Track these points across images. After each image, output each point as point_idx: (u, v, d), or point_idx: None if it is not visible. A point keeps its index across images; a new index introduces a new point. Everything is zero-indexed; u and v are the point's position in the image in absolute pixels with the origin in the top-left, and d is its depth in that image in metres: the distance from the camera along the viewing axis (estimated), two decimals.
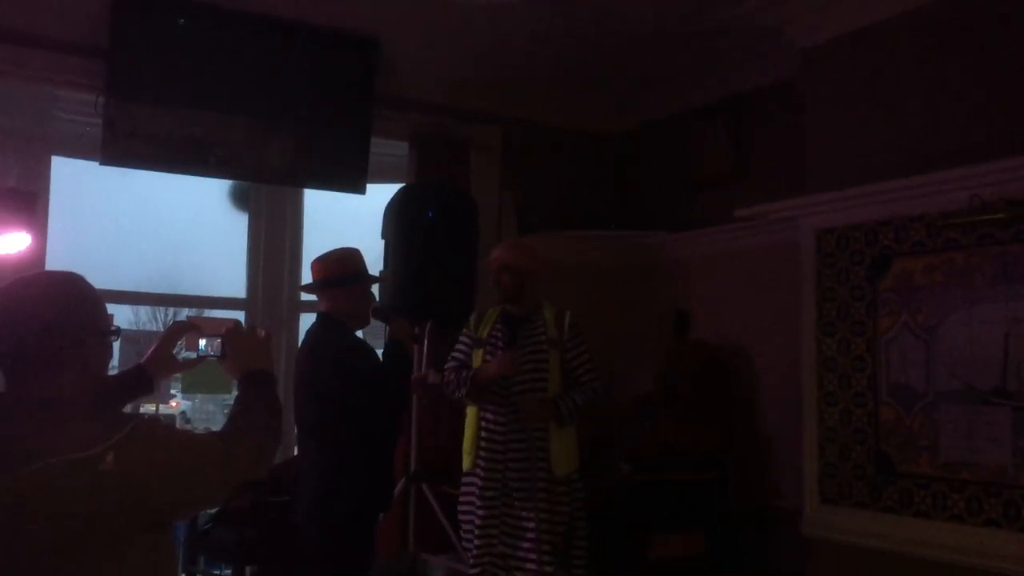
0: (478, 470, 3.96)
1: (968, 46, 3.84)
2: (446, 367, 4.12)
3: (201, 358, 2.23)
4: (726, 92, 5.36)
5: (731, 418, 5.03)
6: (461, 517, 4.05)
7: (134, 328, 5.82)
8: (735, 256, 5.16)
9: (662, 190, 5.79)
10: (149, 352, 2.30)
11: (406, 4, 4.64)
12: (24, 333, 1.77)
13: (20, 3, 4.38)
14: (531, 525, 3.85)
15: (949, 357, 3.72)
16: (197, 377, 5.11)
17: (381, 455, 3.66)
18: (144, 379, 2.28)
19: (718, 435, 4.93)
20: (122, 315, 5.61)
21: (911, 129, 3.99)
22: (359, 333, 3.88)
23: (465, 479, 4.04)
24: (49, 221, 4.60)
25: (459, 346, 4.14)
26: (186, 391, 5.68)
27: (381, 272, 4.86)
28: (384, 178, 5.43)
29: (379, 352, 3.73)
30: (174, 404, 6.80)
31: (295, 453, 4.81)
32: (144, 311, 6.83)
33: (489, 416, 3.97)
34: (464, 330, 4.15)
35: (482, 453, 3.96)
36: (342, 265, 3.61)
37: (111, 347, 1.95)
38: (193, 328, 2.25)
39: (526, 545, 3.86)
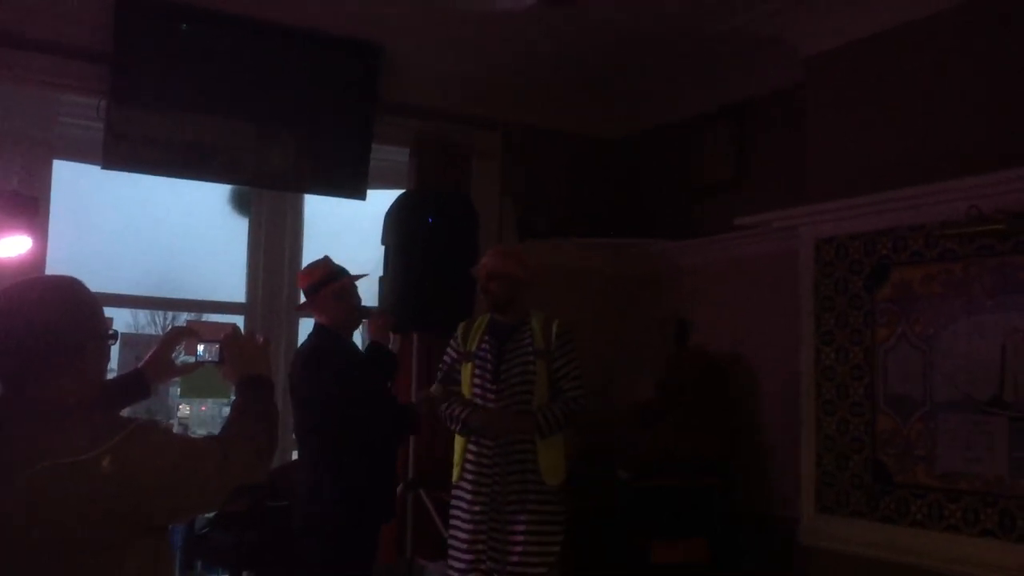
0: (466, 483, 3.88)
1: (968, 57, 3.85)
2: (437, 383, 4.07)
3: (199, 363, 2.24)
4: (727, 100, 5.37)
5: (731, 425, 5.03)
6: (449, 531, 3.98)
7: (133, 332, 5.82)
8: (735, 264, 5.17)
9: (663, 197, 5.80)
10: (147, 357, 2.31)
11: (408, 10, 4.65)
12: (22, 338, 1.77)
13: (23, 7, 4.40)
14: (520, 539, 3.80)
15: (947, 367, 3.73)
16: (195, 382, 5.12)
17: (376, 461, 3.67)
18: (142, 383, 2.29)
19: (718, 442, 4.93)
20: (121, 319, 5.61)
21: (911, 139, 4.01)
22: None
23: (454, 492, 3.97)
24: (50, 225, 4.62)
25: (446, 359, 4.06)
26: (184, 396, 5.68)
27: (380, 278, 4.87)
28: (384, 184, 5.44)
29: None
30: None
31: (293, 458, 4.83)
32: (143, 315, 6.83)
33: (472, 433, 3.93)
34: (452, 342, 4.07)
35: (469, 467, 3.88)
36: (309, 276, 3.77)
37: (109, 351, 1.96)
38: (191, 333, 2.26)
39: (514, 559, 3.79)
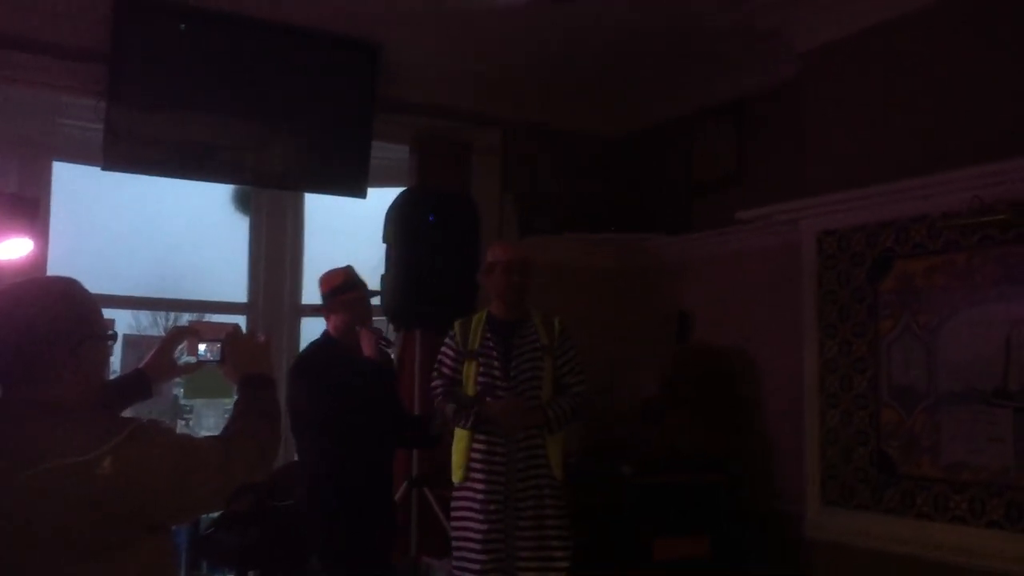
0: (476, 483, 3.82)
1: (968, 48, 3.84)
2: (433, 384, 4.01)
3: (200, 363, 2.23)
4: (727, 95, 5.36)
5: (735, 420, 5.02)
6: (454, 533, 3.91)
7: (135, 333, 5.81)
8: (737, 258, 5.16)
9: (664, 193, 5.79)
10: (148, 356, 2.31)
11: (407, 8, 4.64)
12: (20, 338, 1.77)
13: (21, 9, 4.40)
14: (544, 532, 3.79)
15: (950, 358, 3.72)
16: (198, 382, 5.12)
17: (376, 461, 3.70)
18: (144, 383, 2.28)
19: (722, 437, 4.93)
20: (123, 320, 5.60)
21: (911, 131, 3.99)
22: None
23: (457, 493, 3.91)
24: (51, 226, 4.61)
25: (444, 359, 3.99)
26: (187, 397, 5.67)
27: (382, 276, 4.86)
28: (385, 182, 5.43)
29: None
30: None
31: (295, 458, 4.84)
32: (145, 316, 6.83)
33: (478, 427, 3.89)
34: (447, 341, 4.01)
35: (477, 465, 3.82)
36: (325, 284, 3.87)
37: (109, 351, 1.96)
38: (192, 333, 2.25)
39: (525, 555, 3.77)
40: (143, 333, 6.28)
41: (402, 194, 5.00)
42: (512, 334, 3.90)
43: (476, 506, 3.80)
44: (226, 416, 2.11)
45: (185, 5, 4.62)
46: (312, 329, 4.11)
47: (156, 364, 2.29)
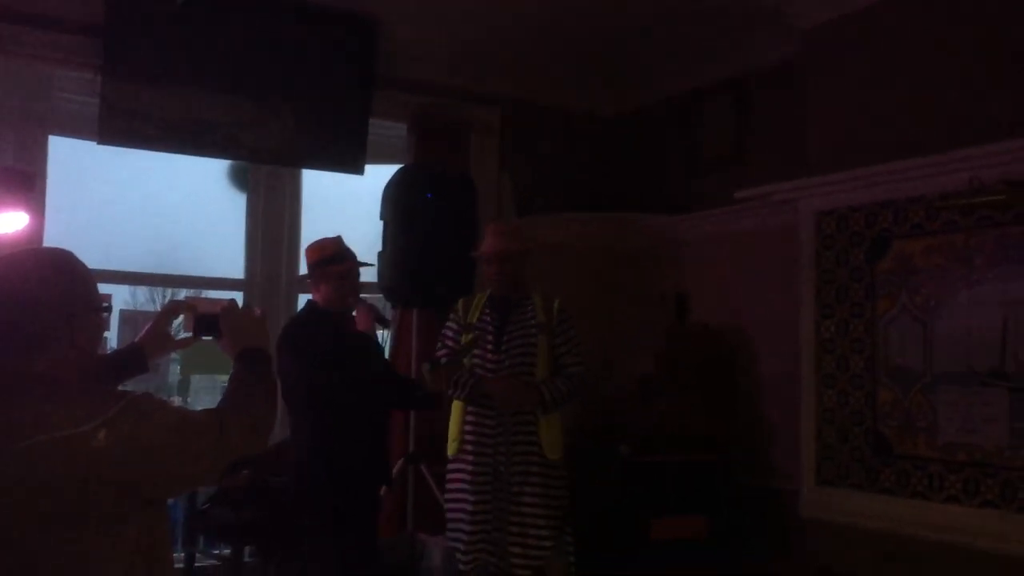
0: (467, 456, 3.89)
1: (967, 27, 3.83)
2: (438, 354, 4.05)
3: (196, 337, 2.22)
4: (727, 74, 5.34)
5: (732, 400, 5.03)
6: (448, 506, 3.98)
7: (131, 308, 5.80)
8: (735, 238, 5.15)
9: (663, 172, 5.77)
10: (144, 331, 2.30)
11: None
12: (13, 310, 1.76)
13: None
14: (527, 510, 3.82)
15: (947, 339, 3.73)
16: (195, 357, 5.12)
17: (366, 435, 3.68)
18: (139, 357, 2.28)
19: (719, 417, 4.94)
20: (119, 296, 5.58)
21: (910, 110, 3.98)
22: None
23: (451, 466, 3.98)
24: (47, 201, 4.59)
25: (447, 332, 4.05)
26: (185, 372, 5.67)
27: (379, 253, 4.85)
28: (383, 159, 5.41)
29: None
30: None
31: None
32: (142, 291, 6.82)
33: (474, 401, 3.92)
34: (451, 315, 4.07)
35: (468, 439, 3.89)
36: (312, 254, 3.77)
37: (102, 324, 1.94)
38: (189, 307, 2.24)
39: (515, 530, 3.82)
40: (140, 309, 6.27)
41: (400, 172, 4.98)
42: (510, 311, 3.93)
43: (467, 478, 3.88)
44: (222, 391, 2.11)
45: None
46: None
47: (152, 338, 2.29)
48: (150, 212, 5.76)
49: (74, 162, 5.02)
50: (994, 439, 3.54)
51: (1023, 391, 3.47)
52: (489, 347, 3.90)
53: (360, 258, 3.88)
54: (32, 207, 3.79)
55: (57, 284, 1.81)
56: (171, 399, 5.41)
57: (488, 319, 3.95)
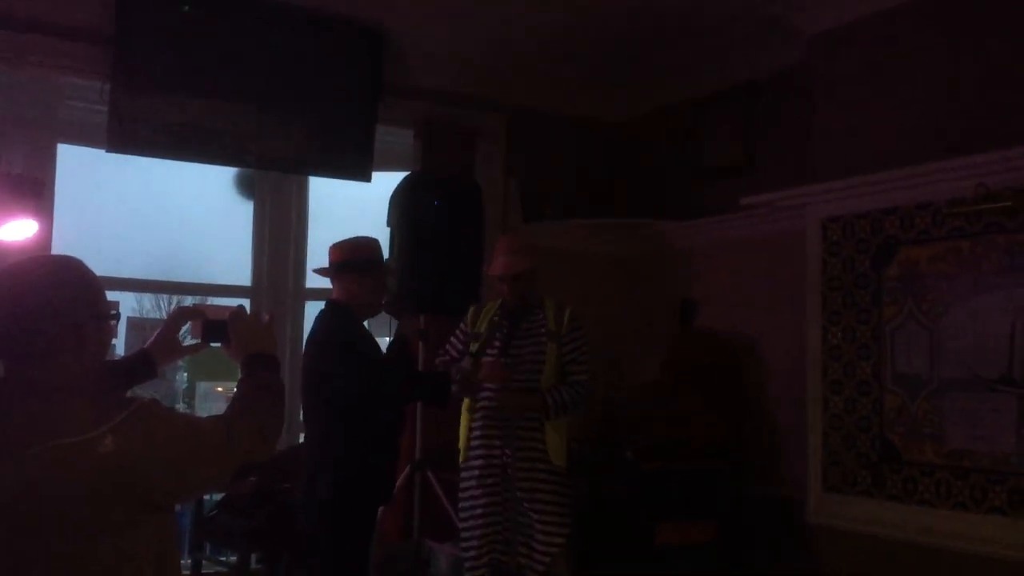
0: (476, 460, 3.92)
1: (976, 34, 3.83)
2: (437, 360, 4.08)
3: (205, 343, 2.23)
4: (734, 80, 5.34)
5: (737, 406, 5.03)
6: (461, 514, 4.00)
7: (138, 316, 5.83)
8: (741, 245, 5.15)
9: (669, 178, 5.78)
10: (153, 337, 2.31)
11: None
12: (22, 316, 1.76)
13: None
14: (535, 516, 3.83)
15: (954, 345, 3.72)
16: (201, 364, 5.14)
17: (384, 446, 3.66)
18: (148, 364, 2.28)
19: (725, 423, 4.93)
20: (126, 303, 5.61)
21: (917, 117, 3.98)
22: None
23: (463, 472, 4.00)
24: (55, 209, 4.61)
25: (453, 339, 4.08)
26: (193, 378, 5.69)
27: (386, 259, 4.86)
28: (390, 166, 5.42)
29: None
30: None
31: (300, 440, 4.85)
32: (148, 299, 6.85)
33: (484, 404, 3.93)
34: (460, 325, 4.09)
35: (476, 444, 3.92)
36: (362, 251, 3.59)
37: (111, 330, 1.94)
38: (197, 313, 2.25)
39: (530, 532, 3.84)
40: (145, 316, 6.30)
41: (406, 179, 5.00)
42: (521, 318, 3.95)
43: (475, 483, 3.90)
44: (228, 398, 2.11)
45: None
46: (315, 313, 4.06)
47: (160, 344, 2.29)
48: (157, 220, 5.79)
49: (82, 170, 5.05)
50: (1002, 446, 3.53)
51: None
52: (496, 353, 3.92)
53: None
54: (41, 215, 3.81)
55: (66, 291, 1.81)
56: (176, 406, 5.42)
57: (499, 326, 3.97)
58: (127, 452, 1.69)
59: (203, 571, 4.81)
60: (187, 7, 4.63)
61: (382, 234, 4.93)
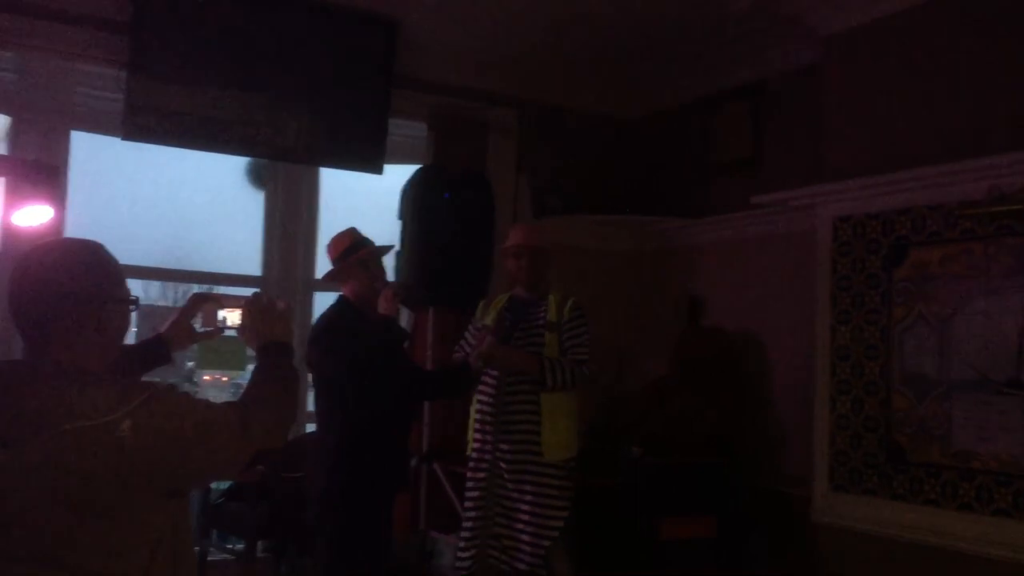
0: (473, 453, 3.99)
1: (989, 35, 3.82)
2: (454, 356, 4.12)
3: (220, 329, 2.24)
4: (746, 79, 5.34)
5: (744, 403, 5.04)
6: (466, 504, 4.07)
7: (147, 303, 5.84)
8: (750, 243, 5.16)
9: (679, 176, 5.78)
10: (168, 322, 2.32)
11: None
12: (44, 299, 1.78)
13: None
14: (525, 508, 3.85)
15: (964, 347, 3.73)
16: (212, 353, 5.16)
17: (386, 434, 3.66)
18: (163, 349, 2.30)
19: (731, 420, 4.94)
20: (135, 290, 5.62)
21: (930, 118, 3.98)
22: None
23: (469, 464, 4.06)
24: (68, 196, 4.64)
25: (466, 334, 4.13)
26: (201, 366, 5.71)
27: (396, 252, 4.88)
28: (401, 159, 5.44)
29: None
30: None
31: (308, 430, 4.87)
32: (155, 287, 6.86)
33: (482, 398, 3.98)
34: (473, 319, 4.15)
35: (476, 435, 3.98)
36: (335, 248, 3.68)
37: (129, 316, 1.95)
38: (213, 300, 2.26)
39: (518, 526, 3.86)
40: (154, 304, 6.31)
41: (418, 172, 5.01)
42: (526, 312, 3.96)
43: (470, 474, 3.99)
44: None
45: None
46: (325, 304, 4.06)
47: (176, 330, 2.30)
48: (168, 207, 5.81)
49: (95, 157, 5.06)
50: (1009, 448, 3.54)
51: None
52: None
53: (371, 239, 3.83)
54: (55, 201, 3.83)
55: (87, 275, 1.83)
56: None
57: (502, 317, 4.00)
58: (144, 436, 1.70)
59: (210, 558, 4.83)
60: None
61: (393, 227, 4.96)
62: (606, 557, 4.44)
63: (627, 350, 5.51)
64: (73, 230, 4.46)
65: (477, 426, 3.99)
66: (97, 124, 4.89)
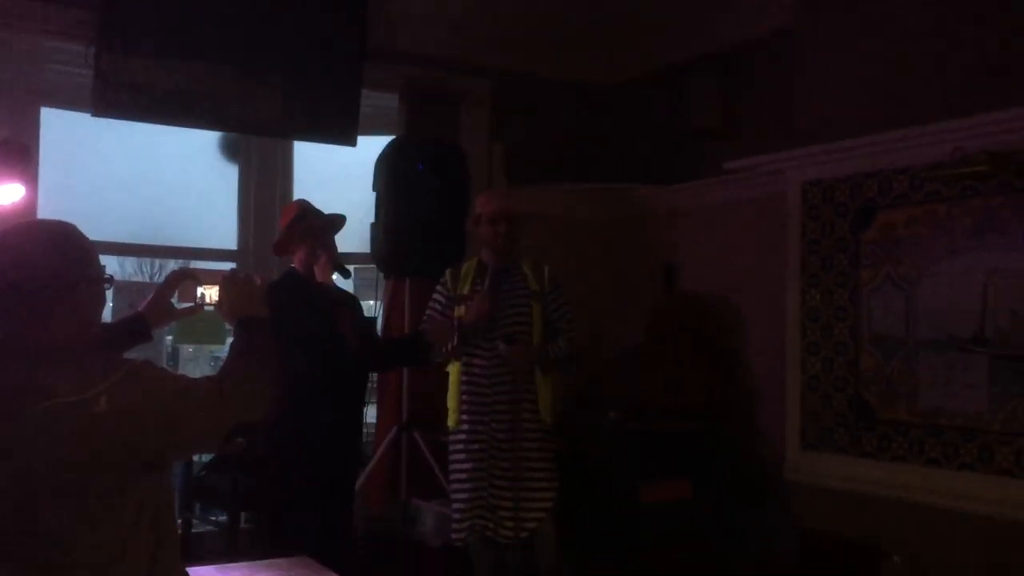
0: (464, 425, 3.98)
1: (956, 1, 3.86)
2: (421, 327, 4.12)
3: (199, 306, 2.27)
4: (718, 45, 5.36)
5: (719, 368, 5.11)
6: (451, 480, 4.07)
7: (121, 279, 5.82)
8: (723, 209, 5.20)
9: (652, 143, 5.81)
10: (147, 300, 2.35)
11: None
12: (17, 280, 1.80)
13: None
14: (529, 475, 3.90)
15: (929, 307, 3.80)
16: (189, 328, 5.16)
17: (330, 407, 3.65)
18: (143, 327, 2.32)
19: (707, 385, 5.01)
20: (109, 267, 5.61)
21: (897, 82, 4.03)
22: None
23: (452, 436, 4.05)
24: (39, 173, 4.61)
25: (434, 304, 4.12)
26: (178, 341, 5.71)
27: (372, 224, 4.90)
28: (375, 130, 5.43)
29: None
30: None
31: None
32: (130, 262, 6.84)
33: (475, 370, 3.98)
34: (437, 287, 4.13)
35: (465, 407, 3.98)
36: (282, 216, 3.81)
37: (103, 295, 1.98)
38: (191, 277, 2.29)
39: (508, 495, 3.90)
40: (129, 280, 6.29)
41: (392, 143, 5.02)
42: (501, 280, 3.98)
43: (462, 447, 3.97)
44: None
45: None
46: None
47: (155, 307, 2.33)
48: (141, 183, 5.77)
49: (66, 134, 5.03)
50: (973, 404, 3.63)
51: (1003, 357, 3.55)
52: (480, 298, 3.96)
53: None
54: (27, 179, 3.81)
55: (61, 255, 1.85)
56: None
57: (480, 288, 3.99)
58: (121, 411, 1.73)
59: (193, 530, 4.88)
60: None
61: (368, 198, 4.97)
62: (587, 521, 4.51)
63: (603, 317, 5.56)
64: (45, 207, 4.44)
65: (465, 398, 3.98)
66: (67, 100, 4.84)
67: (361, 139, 5.27)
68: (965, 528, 3.63)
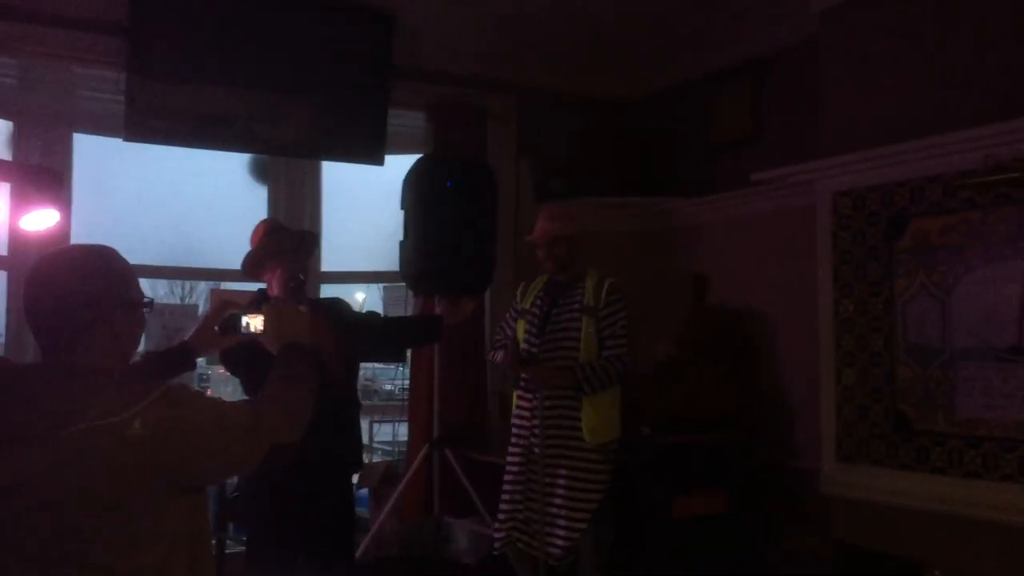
0: (512, 438, 4.08)
1: (982, 5, 3.83)
2: (495, 340, 4.28)
3: (243, 334, 2.29)
4: (744, 56, 5.36)
5: (750, 380, 5.07)
6: (504, 487, 4.13)
7: (157, 302, 5.88)
8: (752, 220, 5.18)
9: (680, 156, 5.79)
10: (194, 329, 2.37)
11: None
12: (57, 304, 1.82)
13: None
14: (560, 492, 3.89)
15: (966, 316, 3.75)
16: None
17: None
18: (187, 355, 2.34)
19: (738, 397, 4.98)
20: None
21: (926, 89, 4.00)
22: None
23: (508, 449, 4.15)
24: (73, 198, 4.67)
25: (506, 318, 4.27)
26: (209, 363, 5.75)
27: (401, 242, 4.91)
28: (402, 149, 5.46)
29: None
30: None
31: None
32: (162, 284, 6.91)
33: (522, 384, 4.06)
34: (513, 303, 4.26)
35: (514, 421, 4.08)
36: (252, 235, 3.77)
37: (143, 318, 1.99)
38: (234, 305, 2.30)
39: (552, 511, 3.89)
40: (160, 302, 6.35)
41: (419, 161, 5.02)
42: (561, 295, 4.00)
43: (509, 459, 4.06)
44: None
45: None
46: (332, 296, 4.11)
47: (201, 336, 2.35)
48: (172, 206, 5.84)
49: (98, 159, 5.09)
50: (1013, 414, 3.57)
51: None
52: (534, 330, 4.00)
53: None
54: (60, 204, 3.85)
55: (101, 279, 1.87)
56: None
57: (539, 304, 4.08)
58: (155, 435, 1.73)
59: (227, 550, 4.89)
60: None
61: (396, 217, 4.98)
62: (620, 535, 4.48)
63: (634, 330, 5.53)
64: (79, 232, 4.50)
65: (515, 412, 4.08)
66: (99, 126, 4.91)
67: (389, 158, 5.30)
68: (1006, 540, 3.57)
